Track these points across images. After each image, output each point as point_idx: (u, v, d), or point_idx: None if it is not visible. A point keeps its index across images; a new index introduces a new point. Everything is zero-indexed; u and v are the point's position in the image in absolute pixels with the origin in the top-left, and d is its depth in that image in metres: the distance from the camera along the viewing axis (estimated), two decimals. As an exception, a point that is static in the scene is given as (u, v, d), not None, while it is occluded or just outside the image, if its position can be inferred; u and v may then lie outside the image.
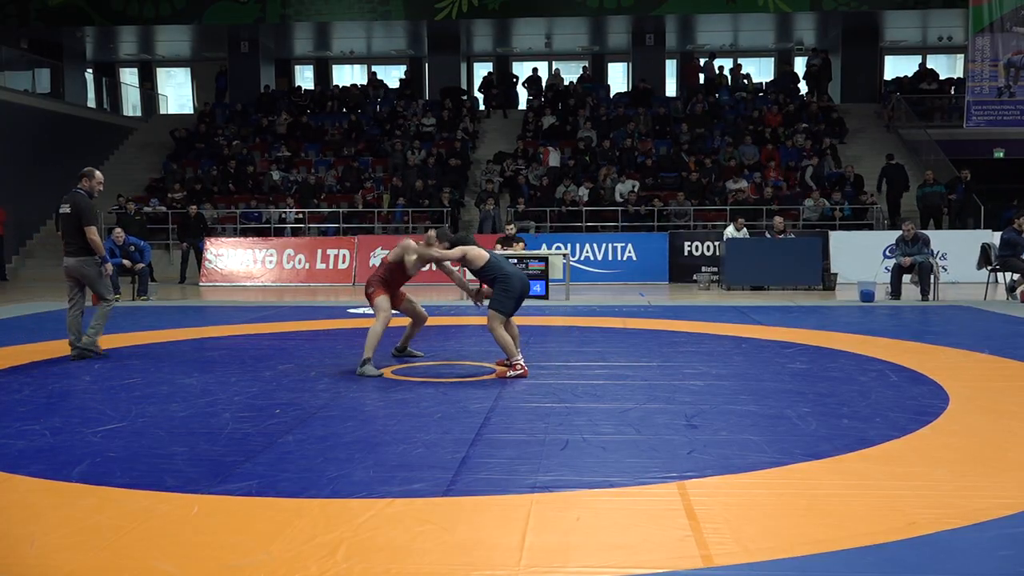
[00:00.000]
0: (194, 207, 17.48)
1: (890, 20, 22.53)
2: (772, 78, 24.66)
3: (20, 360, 7.32)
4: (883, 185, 18.56)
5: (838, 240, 15.94)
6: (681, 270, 16.38)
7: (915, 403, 5.40)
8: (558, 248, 16.03)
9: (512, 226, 14.15)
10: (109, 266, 7.62)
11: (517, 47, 25.29)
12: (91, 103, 24.45)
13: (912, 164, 20.73)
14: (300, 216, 18.69)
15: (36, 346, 8.19)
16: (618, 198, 18.48)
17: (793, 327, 9.23)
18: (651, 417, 5.06)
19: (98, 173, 7.83)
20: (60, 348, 8.01)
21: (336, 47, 25.62)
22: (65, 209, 7.49)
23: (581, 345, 7.98)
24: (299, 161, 21.07)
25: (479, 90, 24.21)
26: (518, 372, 6.39)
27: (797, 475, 3.93)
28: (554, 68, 24.71)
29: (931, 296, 12.35)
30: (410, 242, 6.96)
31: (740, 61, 24.92)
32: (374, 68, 26.37)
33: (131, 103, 26.39)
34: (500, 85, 23.82)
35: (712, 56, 23.89)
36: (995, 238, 13.07)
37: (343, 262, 16.69)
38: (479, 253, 6.62)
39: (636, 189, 18.57)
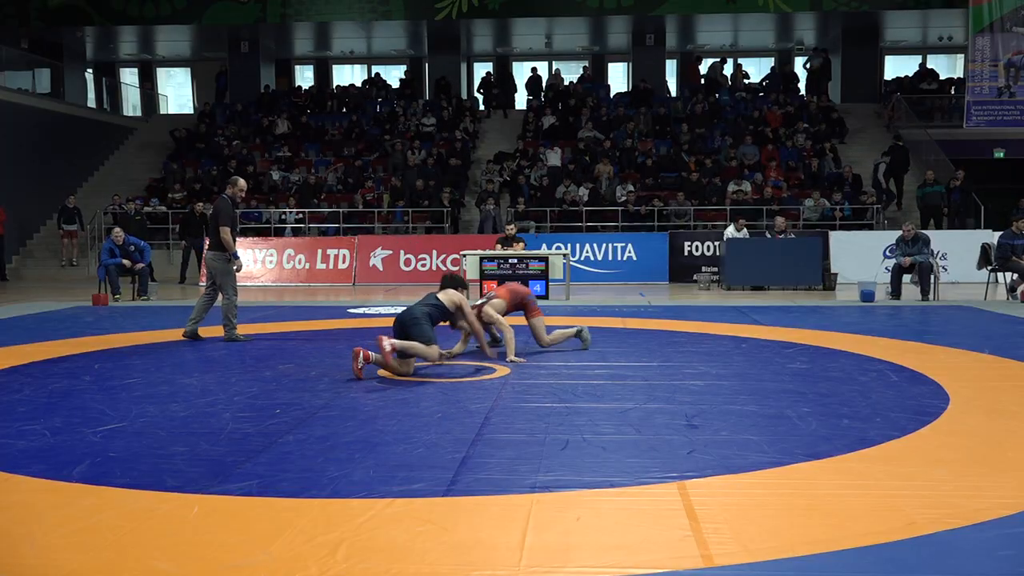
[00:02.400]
0: (199, 204, 17.40)
1: (890, 20, 22.53)
2: (769, 78, 24.64)
3: (20, 360, 7.32)
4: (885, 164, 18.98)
5: (838, 240, 15.94)
6: (681, 270, 16.36)
7: (915, 403, 5.40)
8: (558, 248, 16.03)
9: (512, 226, 14.15)
10: (240, 262, 8.47)
11: (517, 47, 25.30)
12: (91, 103, 24.46)
13: (912, 164, 20.73)
14: (300, 216, 18.69)
15: (36, 346, 8.19)
16: (619, 198, 18.48)
17: (793, 327, 9.23)
18: (651, 417, 5.06)
19: (241, 180, 8.62)
20: (60, 348, 8.03)
21: (336, 47, 25.62)
22: (210, 210, 8.59)
23: (580, 345, 7.97)
24: (299, 161, 21.07)
25: (478, 90, 24.23)
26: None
27: (797, 475, 3.93)
28: (554, 68, 24.71)
29: (931, 296, 12.34)
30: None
31: (740, 61, 24.95)
32: (374, 68, 26.38)
33: (131, 103, 26.39)
34: (500, 85, 23.83)
35: (723, 60, 23.87)
36: (995, 238, 13.06)
37: (343, 262, 16.70)
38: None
39: (631, 191, 18.57)
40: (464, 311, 6.99)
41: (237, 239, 8.66)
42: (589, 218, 18.05)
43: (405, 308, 6.89)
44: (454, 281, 7.23)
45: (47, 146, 20.52)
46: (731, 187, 18.37)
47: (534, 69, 23.92)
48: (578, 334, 7.72)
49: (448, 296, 7.00)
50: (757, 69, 25.57)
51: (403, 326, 6.60)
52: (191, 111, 26.06)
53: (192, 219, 16.98)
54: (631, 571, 2.90)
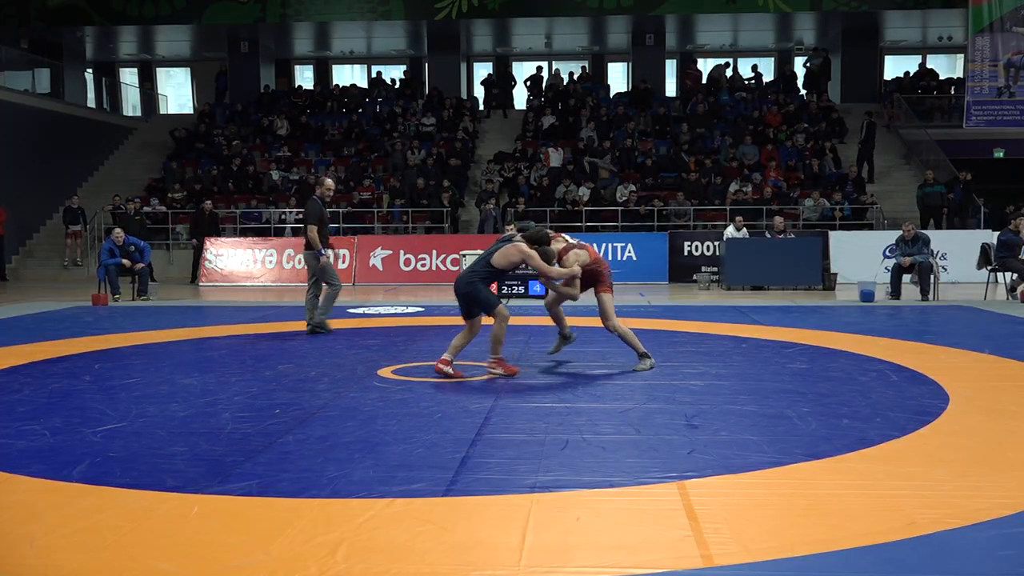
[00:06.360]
0: (209, 203, 17.38)
1: (890, 20, 22.53)
2: (772, 78, 24.65)
3: (20, 360, 7.32)
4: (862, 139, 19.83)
5: (838, 240, 15.94)
6: (681, 270, 16.37)
7: (915, 403, 5.40)
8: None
9: (512, 226, 14.14)
10: (324, 258, 8.86)
11: (517, 47, 25.29)
12: (91, 103, 24.46)
13: (912, 164, 20.75)
14: (300, 216, 18.67)
15: (36, 346, 8.19)
16: (619, 198, 18.49)
17: (793, 327, 9.23)
18: (651, 417, 5.06)
19: (328, 180, 9.27)
20: (60, 348, 8.03)
21: (336, 47, 25.61)
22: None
23: (581, 345, 7.97)
24: (299, 161, 21.06)
25: (482, 83, 24.24)
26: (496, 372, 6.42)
27: (797, 475, 3.93)
28: (554, 68, 24.68)
29: (931, 296, 12.34)
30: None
31: (740, 61, 24.94)
32: (375, 68, 26.37)
33: (131, 103, 26.39)
34: (500, 85, 23.83)
35: (725, 64, 23.85)
36: (995, 238, 13.06)
37: (343, 262, 16.68)
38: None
39: (633, 190, 18.59)
40: (534, 264, 6.30)
41: (325, 237, 9.03)
42: (589, 218, 18.05)
43: (460, 275, 6.59)
44: (532, 237, 6.49)
45: (47, 146, 20.51)
46: (732, 187, 18.36)
47: (539, 68, 23.84)
48: (643, 356, 6.75)
49: (503, 255, 6.35)
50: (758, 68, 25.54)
51: (463, 297, 6.38)
52: (191, 111, 26.05)
53: (201, 218, 16.98)
54: (631, 571, 2.90)
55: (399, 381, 6.32)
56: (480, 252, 12.84)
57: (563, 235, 6.99)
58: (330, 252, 9.08)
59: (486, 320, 6.48)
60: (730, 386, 6.00)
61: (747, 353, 7.55)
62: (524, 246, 6.36)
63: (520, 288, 12.99)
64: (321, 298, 9.04)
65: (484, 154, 21.43)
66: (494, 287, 6.82)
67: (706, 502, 3.53)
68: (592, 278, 6.78)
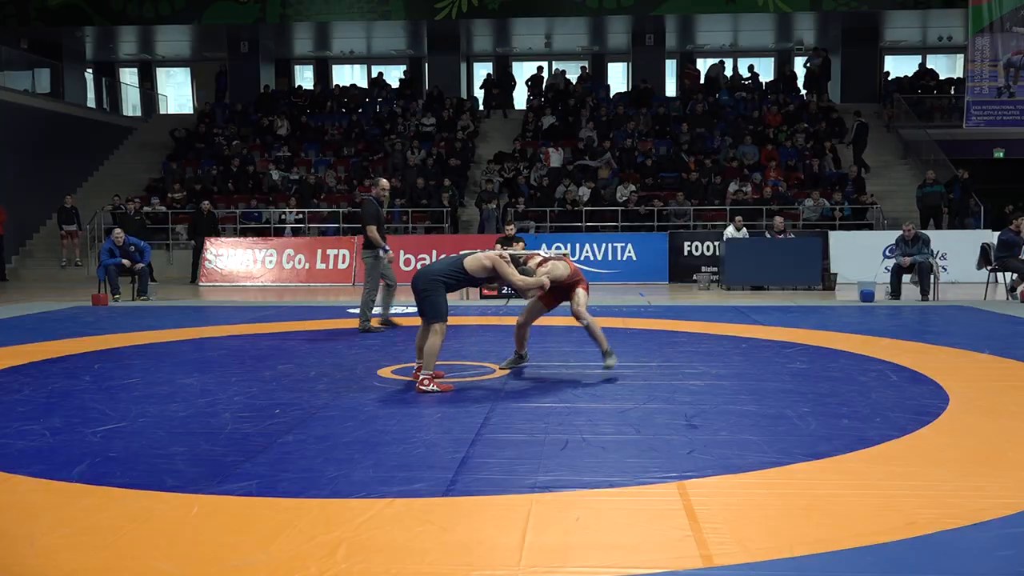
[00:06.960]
0: (207, 203, 17.37)
1: (890, 20, 22.53)
2: (772, 78, 24.66)
3: (20, 360, 7.32)
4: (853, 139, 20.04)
5: (838, 240, 15.93)
6: (681, 270, 16.36)
7: (915, 403, 5.40)
8: (558, 248, 16.02)
9: (512, 226, 14.14)
10: (389, 256, 9.04)
11: (517, 47, 25.29)
12: (91, 103, 24.44)
13: (911, 164, 20.74)
14: (300, 216, 18.69)
15: (36, 346, 8.19)
16: (620, 198, 18.49)
17: (793, 327, 9.23)
18: (651, 417, 5.06)
19: (383, 180, 9.31)
20: (60, 348, 8.03)
21: (336, 47, 25.62)
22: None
23: (581, 345, 7.97)
24: (299, 161, 21.06)
25: (481, 87, 24.24)
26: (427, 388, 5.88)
27: (797, 475, 3.93)
28: (555, 68, 24.66)
29: (931, 296, 12.34)
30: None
31: (739, 61, 24.93)
32: (375, 68, 26.37)
33: (131, 103, 26.38)
34: (500, 85, 23.82)
35: (722, 64, 23.84)
36: (995, 238, 13.06)
37: (343, 262, 16.69)
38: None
39: (633, 191, 18.59)
40: (501, 272, 6.03)
41: (382, 236, 9.14)
42: (589, 218, 18.05)
43: (423, 267, 6.15)
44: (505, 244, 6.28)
45: (47, 146, 20.50)
46: (732, 187, 18.36)
47: (540, 68, 23.82)
48: (607, 354, 6.67)
49: (476, 260, 6.03)
50: (756, 69, 25.52)
51: (420, 294, 5.96)
52: (191, 111, 26.05)
53: (200, 219, 16.97)
54: (631, 571, 2.90)
55: (399, 381, 6.32)
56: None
57: (539, 252, 6.83)
58: (390, 252, 9.20)
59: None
60: (730, 386, 6.00)
61: (747, 353, 7.55)
62: (495, 254, 6.11)
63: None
64: (378, 297, 9.15)
65: (484, 154, 21.42)
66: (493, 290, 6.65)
67: (706, 502, 3.53)
68: (571, 289, 6.62)
